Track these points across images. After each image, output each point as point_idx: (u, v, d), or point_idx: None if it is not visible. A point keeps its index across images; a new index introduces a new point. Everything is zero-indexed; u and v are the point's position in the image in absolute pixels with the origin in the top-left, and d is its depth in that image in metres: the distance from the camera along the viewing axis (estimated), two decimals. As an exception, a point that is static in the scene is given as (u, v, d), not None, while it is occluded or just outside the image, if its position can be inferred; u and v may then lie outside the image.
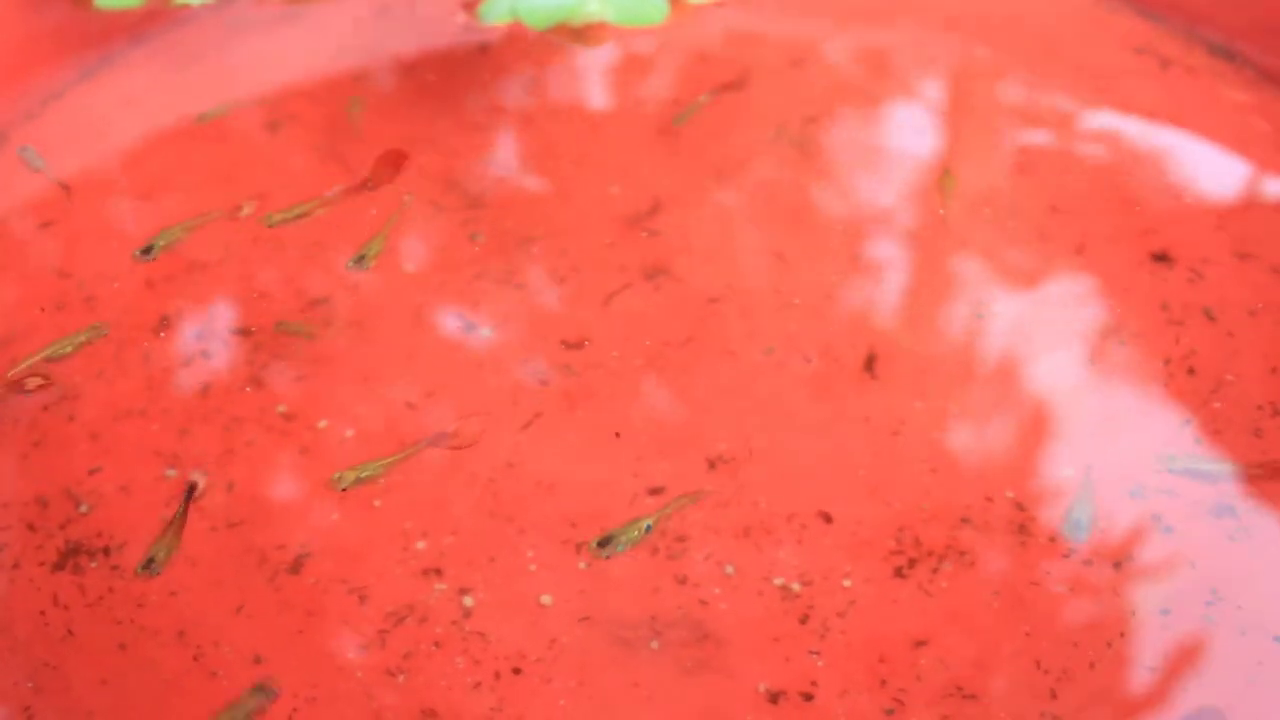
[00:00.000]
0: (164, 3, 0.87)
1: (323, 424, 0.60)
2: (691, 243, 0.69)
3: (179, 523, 0.54)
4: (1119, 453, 0.58)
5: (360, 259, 0.58)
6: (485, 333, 0.64)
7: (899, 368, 0.62)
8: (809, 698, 0.50)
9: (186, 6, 0.87)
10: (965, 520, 0.55)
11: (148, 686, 0.51)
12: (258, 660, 0.52)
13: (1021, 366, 0.62)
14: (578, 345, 0.63)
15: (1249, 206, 0.70)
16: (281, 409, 0.61)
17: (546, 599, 0.53)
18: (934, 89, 0.80)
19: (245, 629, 0.53)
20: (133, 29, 0.88)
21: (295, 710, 0.50)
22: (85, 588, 0.54)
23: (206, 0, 0.88)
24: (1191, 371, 0.61)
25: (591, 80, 0.82)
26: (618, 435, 0.59)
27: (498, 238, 0.69)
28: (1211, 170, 0.72)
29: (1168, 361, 0.61)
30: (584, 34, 0.86)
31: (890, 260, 0.67)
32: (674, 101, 0.79)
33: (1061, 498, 0.56)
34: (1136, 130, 0.76)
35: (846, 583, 0.54)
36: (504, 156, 0.76)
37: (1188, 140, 0.75)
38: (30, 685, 0.51)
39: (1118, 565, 0.53)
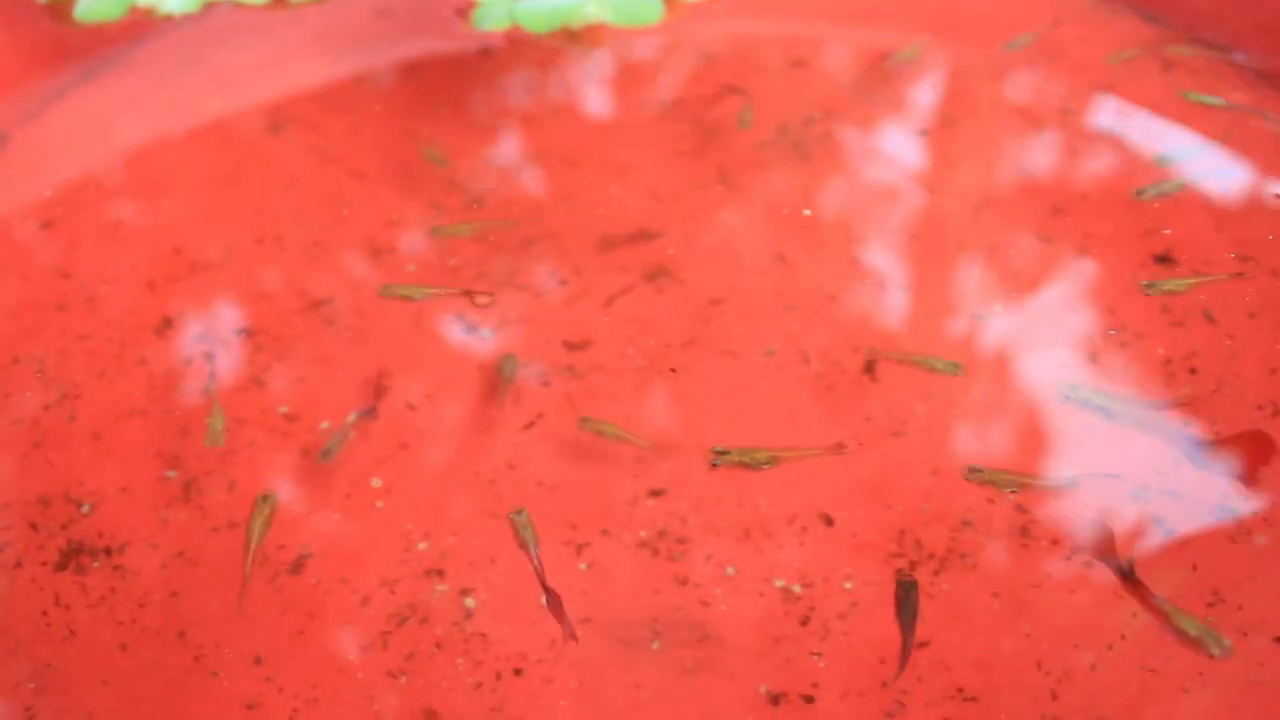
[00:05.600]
0: (146, 15, 0.87)
1: (324, 425, 0.60)
2: (693, 244, 0.69)
3: None
4: (1120, 454, 0.58)
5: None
6: (487, 334, 0.64)
7: (900, 369, 0.62)
8: (810, 699, 0.50)
9: (169, 17, 0.87)
10: (967, 522, 0.55)
11: (149, 687, 0.51)
12: (258, 660, 0.52)
13: (1023, 368, 0.62)
14: (580, 346, 0.63)
15: (1250, 208, 0.70)
16: (283, 410, 0.61)
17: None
18: (935, 90, 0.80)
19: (246, 629, 0.53)
20: (130, 33, 0.88)
21: (296, 711, 0.50)
22: (87, 588, 0.54)
23: (189, 10, 0.88)
24: (1192, 372, 0.61)
25: (592, 82, 0.82)
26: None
27: (499, 238, 0.69)
28: (1212, 172, 0.72)
29: (1169, 363, 0.61)
30: (583, 36, 0.86)
31: (891, 261, 0.67)
32: (676, 102, 0.79)
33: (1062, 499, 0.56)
34: (1138, 132, 0.76)
35: (848, 585, 0.54)
36: (506, 157, 0.76)
37: (1189, 142, 0.75)
38: (32, 685, 0.51)
39: (1119, 567, 0.53)
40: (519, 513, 0.54)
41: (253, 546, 0.55)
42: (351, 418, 0.54)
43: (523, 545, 0.54)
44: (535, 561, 0.53)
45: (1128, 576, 0.52)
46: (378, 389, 0.54)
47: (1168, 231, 0.68)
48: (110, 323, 0.65)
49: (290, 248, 0.70)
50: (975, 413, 0.60)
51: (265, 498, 0.56)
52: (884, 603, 0.53)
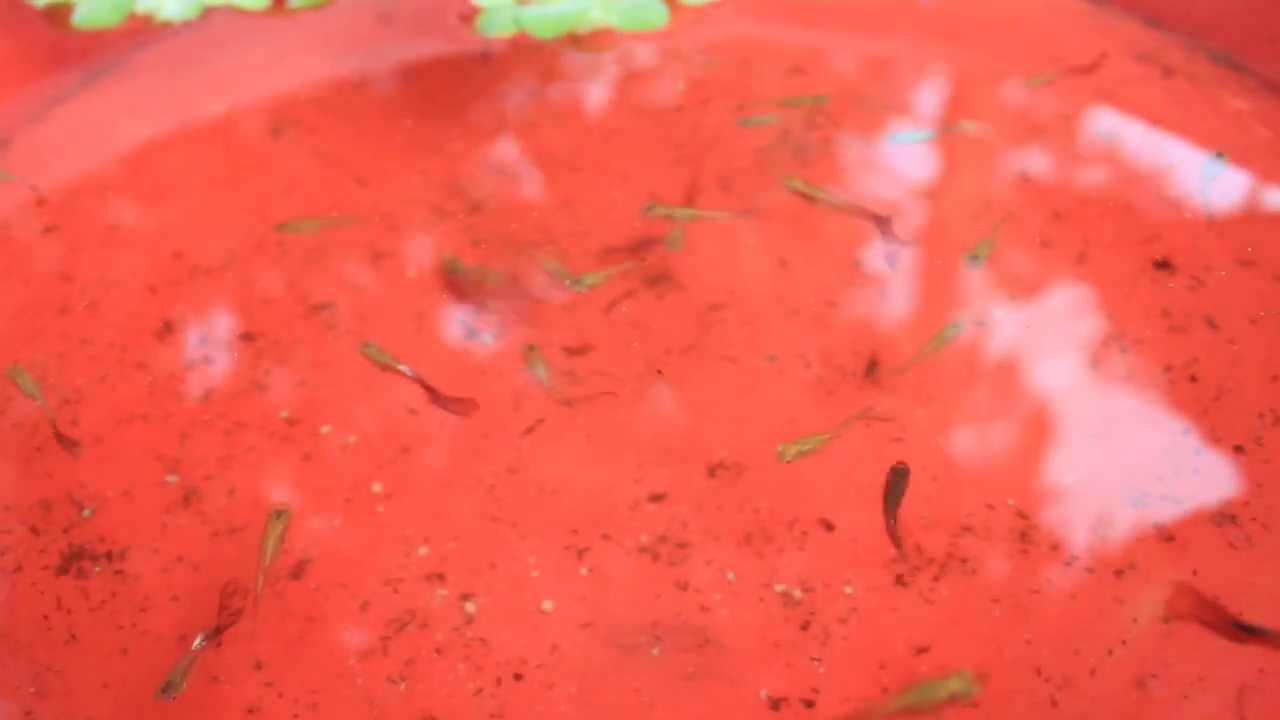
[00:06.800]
0: (145, 21, 0.87)
1: (325, 430, 0.60)
2: (693, 250, 0.69)
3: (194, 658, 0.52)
4: (1120, 460, 0.58)
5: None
6: (488, 338, 0.64)
7: (900, 375, 0.62)
8: (810, 704, 0.50)
9: (169, 23, 0.88)
10: (967, 528, 0.55)
11: (149, 691, 0.51)
12: (259, 665, 0.52)
13: (1023, 374, 0.62)
14: (580, 351, 0.63)
15: (1250, 214, 0.70)
16: (284, 414, 0.61)
17: (548, 605, 0.54)
18: (935, 95, 0.80)
19: (246, 634, 0.53)
20: (130, 38, 0.88)
21: (296, 716, 0.50)
22: (88, 592, 0.54)
23: (188, 16, 0.88)
24: (1193, 379, 0.61)
25: (593, 86, 0.82)
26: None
27: (500, 243, 0.69)
28: (1214, 178, 0.72)
29: (1169, 369, 0.61)
30: (588, 41, 0.86)
31: (892, 267, 0.67)
32: (678, 107, 0.79)
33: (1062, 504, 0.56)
34: (1138, 137, 0.76)
35: (848, 590, 0.54)
36: (507, 162, 0.76)
37: (1190, 148, 0.75)
38: (32, 689, 0.51)
39: (1119, 573, 0.54)
40: (367, 345, 0.55)
41: (266, 564, 0.54)
42: (198, 643, 0.53)
43: (385, 368, 0.54)
44: (417, 378, 0.53)
45: (1264, 634, 0.50)
46: (221, 610, 0.53)
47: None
48: (112, 327, 0.66)
49: (291, 252, 0.70)
50: (976, 418, 0.60)
51: (279, 513, 0.55)
52: (885, 608, 0.53)
